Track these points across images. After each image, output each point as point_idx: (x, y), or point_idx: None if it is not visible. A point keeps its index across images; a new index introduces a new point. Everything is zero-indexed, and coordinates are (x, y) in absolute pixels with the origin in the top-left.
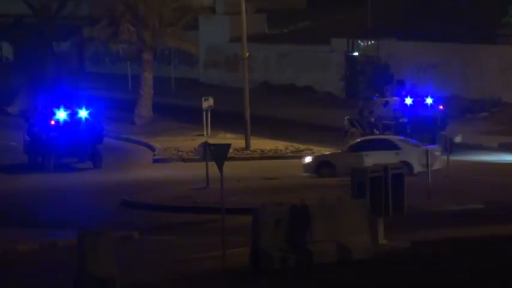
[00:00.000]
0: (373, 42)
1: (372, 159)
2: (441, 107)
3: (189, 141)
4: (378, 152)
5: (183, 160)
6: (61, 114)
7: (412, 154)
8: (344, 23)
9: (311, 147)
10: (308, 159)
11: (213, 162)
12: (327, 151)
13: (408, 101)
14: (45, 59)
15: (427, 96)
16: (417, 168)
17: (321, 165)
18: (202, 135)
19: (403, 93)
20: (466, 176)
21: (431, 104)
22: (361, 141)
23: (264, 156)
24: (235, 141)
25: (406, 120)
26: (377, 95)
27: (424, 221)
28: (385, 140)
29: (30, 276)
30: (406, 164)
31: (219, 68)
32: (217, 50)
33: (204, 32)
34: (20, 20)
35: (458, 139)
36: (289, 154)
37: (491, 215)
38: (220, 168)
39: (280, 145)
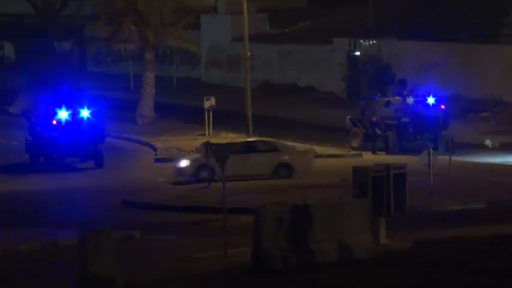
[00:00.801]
0: (374, 41)
1: (252, 160)
2: (443, 107)
3: (191, 141)
4: (257, 154)
5: None
6: (63, 114)
7: (292, 156)
8: (345, 22)
9: (313, 146)
10: (185, 162)
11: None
12: (330, 150)
13: (412, 100)
14: (46, 58)
15: (428, 96)
16: (298, 169)
17: (199, 168)
18: (204, 135)
19: (405, 92)
20: (467, 176)
21: (433, 104)
22: (240, 143)
23: None
24: (237, 141)
25: (408, 120)
26: (379, 94)
27: (425, 220)
28: (264, 141)
29: (31, 276)
30: (286, 166)
31: (221, 68)
32: (218, 49)
33: (205, 31)
34: (21, 20)
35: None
36: None
37: (492, 214)
38: (222, 168)
39: None
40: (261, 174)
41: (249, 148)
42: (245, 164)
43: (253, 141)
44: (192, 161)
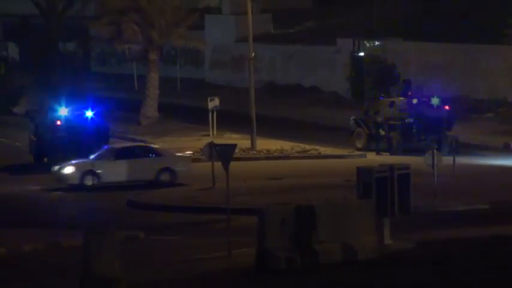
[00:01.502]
0: (379, 42)
1: (136, 166)
2: (447, 107)
3: (195, 142)
4: (141, 159)
5: None
6: (67, 114)
7: (175, 161)
8: (350, 23)
9: (317, 147)
10: (70, 169)
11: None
12: (334, 151)
13: (415, 101)
14: (51, 59)
15: (433, 97)
16: (180, 173)
17: (85, 174)
18: (208, 135)
19: (409, 93)
20: (471, 177)
21: (437, 104)
22: (123, 148)
23: (269, 156)
24: (241, 141)
25: (412, 120)
26: (383, 95)
27: (429, 221)
28: (146, 147)
29: (34, 276)
30: (169, 170)
31: (225, 68)
32: (223, 50)
33: (209, 32)
34: (25, 20)
35: None
36: (295, 154)
37: (496, 215)
38: (226, 168)
39: (286, 145)
40: (144, 179)
41: (131, 153)
42: (128, 169)
43: (134, 146)
44: (77, 168)
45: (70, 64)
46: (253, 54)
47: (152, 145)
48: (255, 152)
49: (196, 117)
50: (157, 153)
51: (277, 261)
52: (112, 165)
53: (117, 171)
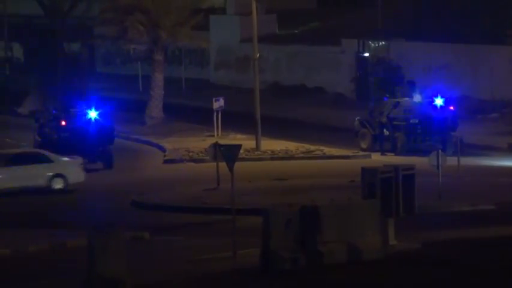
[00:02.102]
0: (383, 43)
1: (27, 172)
2: (451, 108)
3: (200, 142)
4: (32, 165)
5: (194, 161)
6: (72, 115)
7: (66, 167)
8: (354, 23)
9: (321, 147)
10: None
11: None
12: (339, 151)
13: (419, 97)
14: (55, 59)
15: (437, 97)
16: (72, 180)
17: None
18: (213, 136)
19: (413, 94)
20: (476, 177)
21: (441, 105)
22: (13, 154)
23: (274, 157)
24: (245, 142)
25: (416, 121)
26: (387, 95)
27: (434, 221)
28: (37, 153)
29: (39, 276)
30: (61, 177)
31: (230, 69)
32: (227, 50)
33: (214, 32)
34: (30, 21)
35: None
36: (300, 155)
37: (501, 216)
38: (230, 169)
39: (291, 146)
40: (36, 185)
41: (21, 159)
42: (20, 176)
43: (25, 152)
44: None
45: (75, 65)
46: (257, 55)
47: (42, 151)
48: (259, 152)
49: (201, 118)
50: (48, 159)
51: (282, 261)
52: (3, 171)
53: (8, 178)
